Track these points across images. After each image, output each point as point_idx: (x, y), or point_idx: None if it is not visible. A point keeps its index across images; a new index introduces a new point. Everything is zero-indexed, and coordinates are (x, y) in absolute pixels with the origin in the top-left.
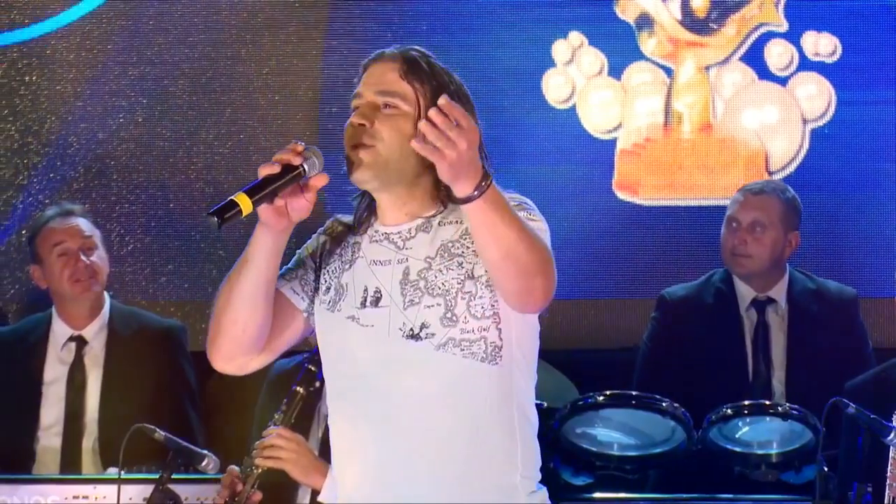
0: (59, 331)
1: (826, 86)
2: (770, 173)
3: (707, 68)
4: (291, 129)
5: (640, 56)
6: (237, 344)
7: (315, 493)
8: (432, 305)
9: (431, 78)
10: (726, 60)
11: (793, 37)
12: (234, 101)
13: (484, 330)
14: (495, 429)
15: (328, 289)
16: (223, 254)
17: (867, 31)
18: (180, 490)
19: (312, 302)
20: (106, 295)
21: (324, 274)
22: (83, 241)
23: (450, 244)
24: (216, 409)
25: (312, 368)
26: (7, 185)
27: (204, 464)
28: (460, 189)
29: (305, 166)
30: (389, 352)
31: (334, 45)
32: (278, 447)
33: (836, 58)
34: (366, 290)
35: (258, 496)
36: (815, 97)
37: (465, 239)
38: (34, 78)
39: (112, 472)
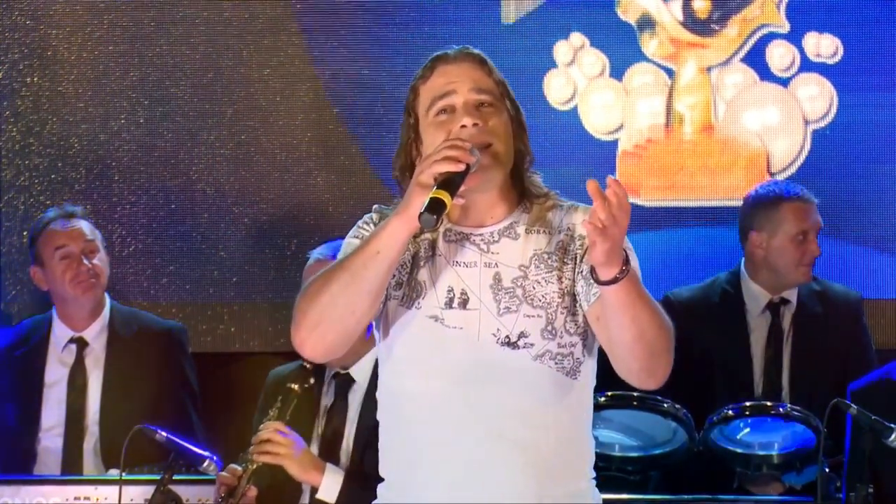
0: (60, 332)
1: (828, 87)
2: (771, 174)
3: (708, 69)
4: (293, 130)
5: (641, 57)
6: (346, 334)
7: (314, 490)
8: (532, 316)
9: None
10: (728, 61)
11: (794, 38)
12: (235, 101)
13: (573, 346)
14: (573, 438)
15: (399, 284)
16: (224, 255)
17: (869, 33)
18: (181, 491)
19: (385, 291)
20: (107, 296)
21: None
22: (85, 244)
23: (545, 255)
24: (217, 410)
25: (308, 366)
26: (9, 187)
27: (205, 465)
28: (608, 271)
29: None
30: (481, 357)
31: (336, 45)
32: (275, 442)
33: (837, 59)
34: (450, 290)
35: (253, 492)
36: (817, 98)
37: (561, 253)
38: (35, 79)
39: (113, 473)
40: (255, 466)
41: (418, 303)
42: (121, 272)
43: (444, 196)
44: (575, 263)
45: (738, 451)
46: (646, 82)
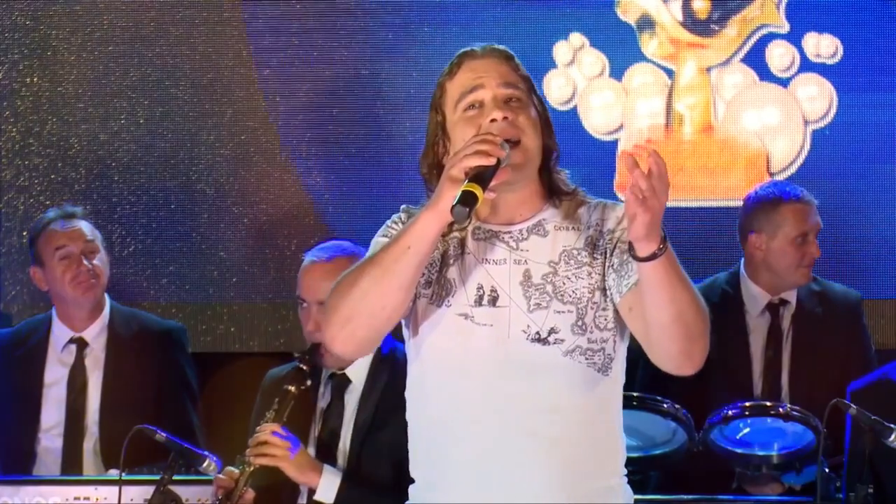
0: (60, 333)
1: (827, 87)
2: (771, 175)
3: (708, 69)
4: (292, 131)
5: (641, 57)
6: (377, 330)
7: (311, 491)
8: (563, 312)
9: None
10: (727, 62)
11: (794, 38)
12: (235, 102)
13: (604, 341)
14: (603, 435)
15: (428, 282)
16: (224, 255)
17: (868, 33)
18: (181, 491)
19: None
20: (106, 296)
21: None
22: (85, 244)
23: (574, 251)
24: (217, 410)
25: (304, 368)
26: (8, 187)
27: (204, 465)
28: (646, 247)
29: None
30: (511, 353)
31: (336, 45)
32: (272, 444)
33: (837, 59)
34: (480, 287)
35: (251, 494)
36: (817, 98)
37: (590, 248)
38: (35, 79)
39: (113, 473)
40: (252, 469)
41: (448, 301)
42: (121, 272)
43: (476, 189)
44: (605, 258)
45: (738, 451)
46: (645, 82)
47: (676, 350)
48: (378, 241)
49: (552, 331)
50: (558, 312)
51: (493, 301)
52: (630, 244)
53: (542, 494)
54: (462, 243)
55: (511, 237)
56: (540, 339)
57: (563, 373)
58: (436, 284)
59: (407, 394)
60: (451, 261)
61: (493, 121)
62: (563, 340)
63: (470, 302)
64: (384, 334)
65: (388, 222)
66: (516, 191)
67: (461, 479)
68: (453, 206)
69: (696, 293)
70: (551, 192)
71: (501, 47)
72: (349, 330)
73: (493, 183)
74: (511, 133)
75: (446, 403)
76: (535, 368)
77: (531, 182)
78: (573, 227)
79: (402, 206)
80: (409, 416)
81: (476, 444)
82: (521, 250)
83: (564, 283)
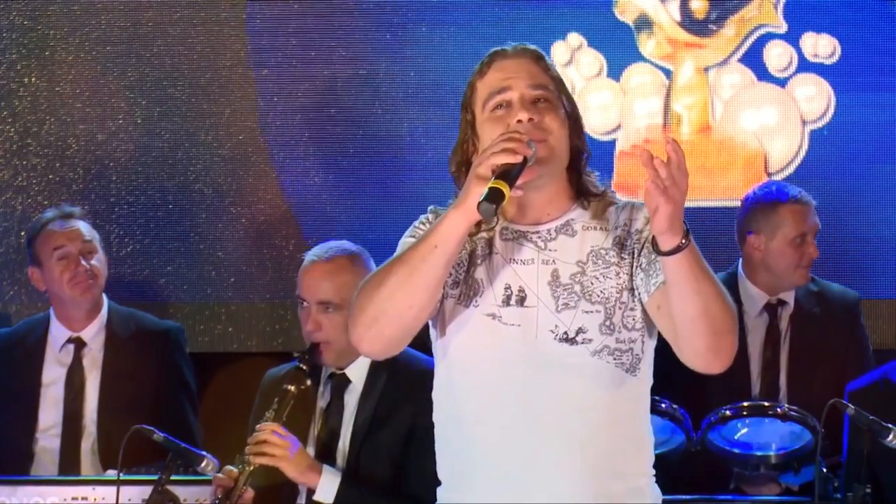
0: (58, 332)
1: (825, 87)
2: (769, 175)
3: (706, 69)
4: (290, 132)
5: (639, 57)
6: (405, 329)
7: (311, 491)
8: (591, 311)
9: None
10: (725, 62)
11: (792, 38)
12: (233, 102)
13: (632, 341)
14: (631, 435)
15: (456, 282)
16: (222, 255)
17: (866, 33)
18: (179, 491)
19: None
20: (104, 296)
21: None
22: (83, 244)
23: (602, 251)
24: (215, 410)
25: (304, 367)
26: (6, 187)
27: (202, 465)
28: (670, 239)
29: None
30: (538, 353)
31: (334, 45)
32: (271, 444)
33: (835, 59)
34: (508, 288)
35: (250, 493)
36: (815, 98)
37: (618, 248)
38: (33, 79)
39: (111, 473)
40: (251, 468)
41: (476, 301)
42: (119, 272)
43: (503, 186)
44: (632, 258)
45: (736, 451)
46: (643, 82)
47: (704, 346)
48: (405, 241)
49: (580, 331)
50: (586, 312)
51: (521, 301)
52: (653, 239)
53: (570, 495)
54: (490, 243)
55: (539, 237)
56: (568, 339)
57: (591, 373)
58: (463, 284)
59: (434, 395)
60: (479, 261)
61: (519, 122)
62: (591, 340)
63: (498, 302)
64: (412, 334)
65: (416, 222)
66: (543, 189)
67: (488, 479)
68: (480, 203)
69: (721, 288)
70: (579, 192)
71: (532, 47)
72: (376, 329)
73: (519, 181)
74: (536, 135)
75: (473, 404)
76: (563, 368)
77: (558, 181)
78: (601, 227)
79: (430, 207)
80: (435, 417)
81: (503, 444)
82: (549, 250)
83: (592, 283)
